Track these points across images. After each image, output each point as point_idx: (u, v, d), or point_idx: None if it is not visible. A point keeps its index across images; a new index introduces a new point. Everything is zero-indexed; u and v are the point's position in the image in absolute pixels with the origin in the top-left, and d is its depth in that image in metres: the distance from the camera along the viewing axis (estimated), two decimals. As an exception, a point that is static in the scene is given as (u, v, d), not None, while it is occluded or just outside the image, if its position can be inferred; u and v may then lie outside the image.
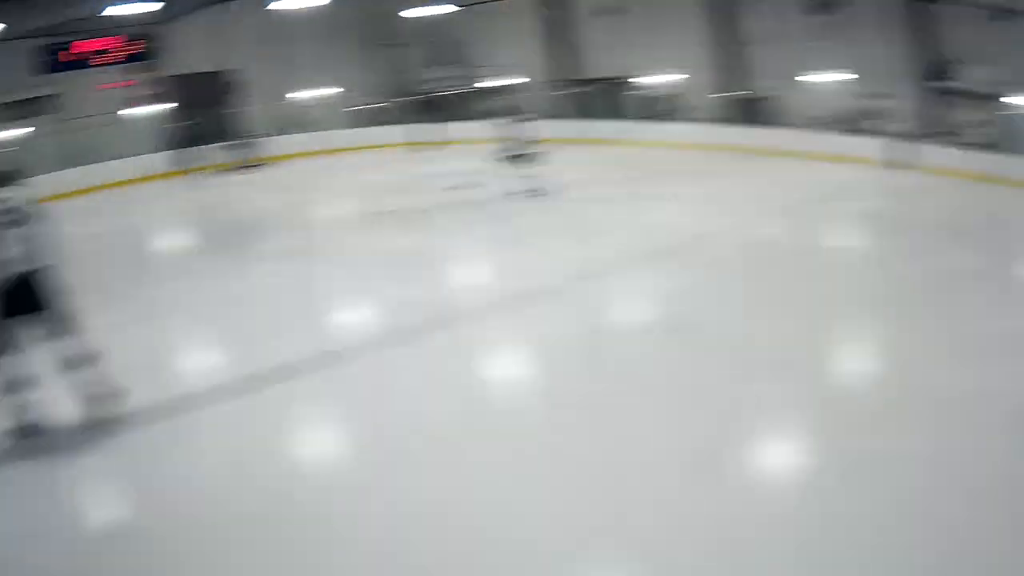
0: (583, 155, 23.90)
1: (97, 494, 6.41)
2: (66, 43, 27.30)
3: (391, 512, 5.73)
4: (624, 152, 24.92)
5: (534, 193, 16.70)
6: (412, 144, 28.68)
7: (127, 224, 19.28)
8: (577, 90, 30.11)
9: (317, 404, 7.67)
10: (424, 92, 32.12)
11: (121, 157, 27.01)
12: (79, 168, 25.85)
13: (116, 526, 5.92)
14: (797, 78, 24.72)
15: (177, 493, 6.07)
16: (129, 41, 28.16)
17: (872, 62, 22.88)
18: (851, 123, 23.31)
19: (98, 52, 27.87)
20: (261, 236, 15.62)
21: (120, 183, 25.90)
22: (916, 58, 22.12)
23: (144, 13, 25.59)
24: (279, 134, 29.71)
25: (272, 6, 26.39)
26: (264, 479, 6.23)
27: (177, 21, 29.02)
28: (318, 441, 7.26)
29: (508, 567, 5.06)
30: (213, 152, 27.06)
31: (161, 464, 6.53)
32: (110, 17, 25.48)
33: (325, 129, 30.40)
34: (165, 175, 26.27)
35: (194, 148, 25.64)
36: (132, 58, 28.32)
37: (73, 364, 6.86)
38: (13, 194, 6.87)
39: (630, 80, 28.99)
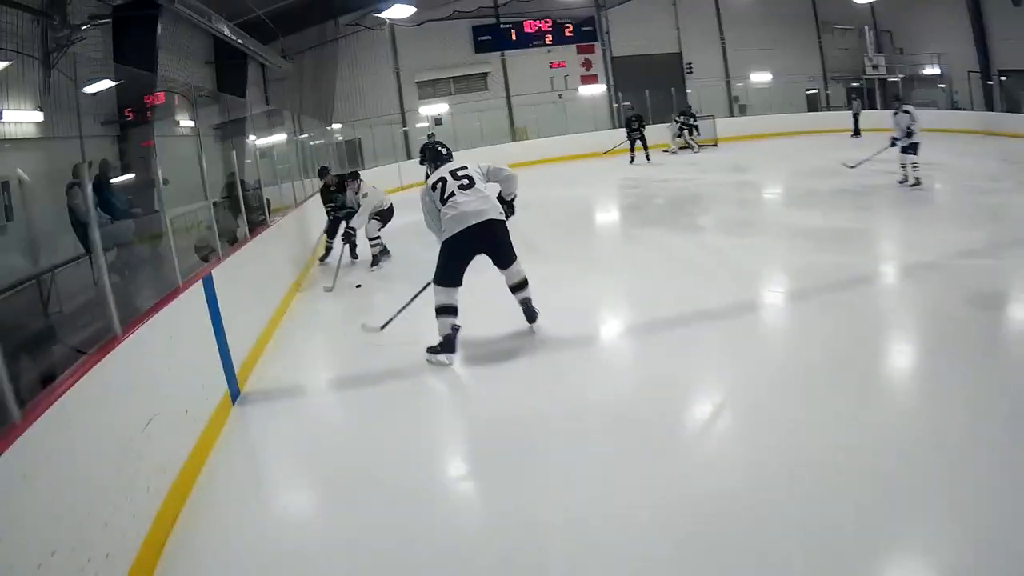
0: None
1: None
2: (504, 24, 27.83)
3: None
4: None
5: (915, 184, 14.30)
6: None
7: (576, 194, 18.24)
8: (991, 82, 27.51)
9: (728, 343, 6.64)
10: (868, 78, 30.24)
11: (566, 134, 26.72)
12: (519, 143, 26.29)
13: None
14: None
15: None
16: (575, 24, 28.39)
17: None
18: None
19: (544, 32, 27.70)
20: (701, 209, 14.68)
21: (564, 158, 25.40)
22: None
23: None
24: (728, 116, 28.76)
25: None
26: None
27: (618, 6, 28.70)
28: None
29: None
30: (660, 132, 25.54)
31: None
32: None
33: (774, 113, 28.66)
34: (608, 152, 24.98)
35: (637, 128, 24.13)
36: (571, 39, 28.54)
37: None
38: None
39: None
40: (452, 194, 6.49)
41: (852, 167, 15.84)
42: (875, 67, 30.26)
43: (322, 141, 22.32)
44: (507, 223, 6.74)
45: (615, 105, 28.47)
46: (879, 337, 6.29)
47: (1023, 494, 3.56)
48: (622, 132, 23.71)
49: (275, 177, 12.38)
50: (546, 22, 28.03)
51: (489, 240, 6.55)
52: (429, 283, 6.76)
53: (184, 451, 4.65)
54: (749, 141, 26.37)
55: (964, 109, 27.43)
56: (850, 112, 26.01)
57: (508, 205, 6.93)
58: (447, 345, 6.52)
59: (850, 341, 6.12)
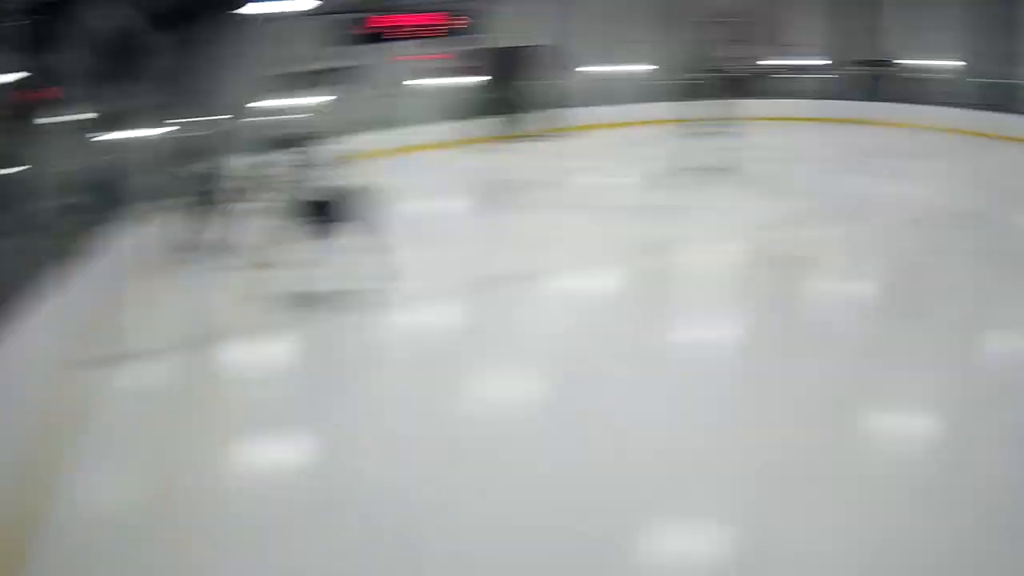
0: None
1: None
2: (374, 17, 28.82)
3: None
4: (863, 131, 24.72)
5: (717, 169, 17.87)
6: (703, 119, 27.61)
7: (432, 183, 20.64)
8: (853, 71, 28.37)
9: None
10: (726, 70, 30.92)
11: (423, 123, 28.08)
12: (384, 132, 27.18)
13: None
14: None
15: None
16: (437, 17, 29.40)
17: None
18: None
19: (404, 27, 29.04)
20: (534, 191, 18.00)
21: (420, 147, 26.92)
22: None
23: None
24: (584, 106, 29.60)
25: None
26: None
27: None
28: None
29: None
30: (516, 121, 27.53)
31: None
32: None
33: (630, 103, 29.82)
34: (463, 142, 26.79)
35: (498, 117, 25.45)
36: (443, 33, 29.54)
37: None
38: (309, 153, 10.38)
39: (901, 63, 26.87)
40: None
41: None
42: (747, 58, 30.79)
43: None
44: None
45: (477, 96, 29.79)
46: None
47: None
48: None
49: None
50: (407, 17, 28.81)
51: None
52: None
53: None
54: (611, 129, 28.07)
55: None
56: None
57: None
58: None
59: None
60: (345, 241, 10.36)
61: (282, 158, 12.27)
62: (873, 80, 27.41)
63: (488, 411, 7.24)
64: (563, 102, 28.70)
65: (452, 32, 29.07)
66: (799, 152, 21.34)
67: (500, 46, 29.62)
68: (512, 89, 28.35)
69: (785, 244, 12.43)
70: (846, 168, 18.74)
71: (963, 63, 25.20)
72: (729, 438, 6.28)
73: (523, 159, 23.71)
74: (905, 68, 26.99)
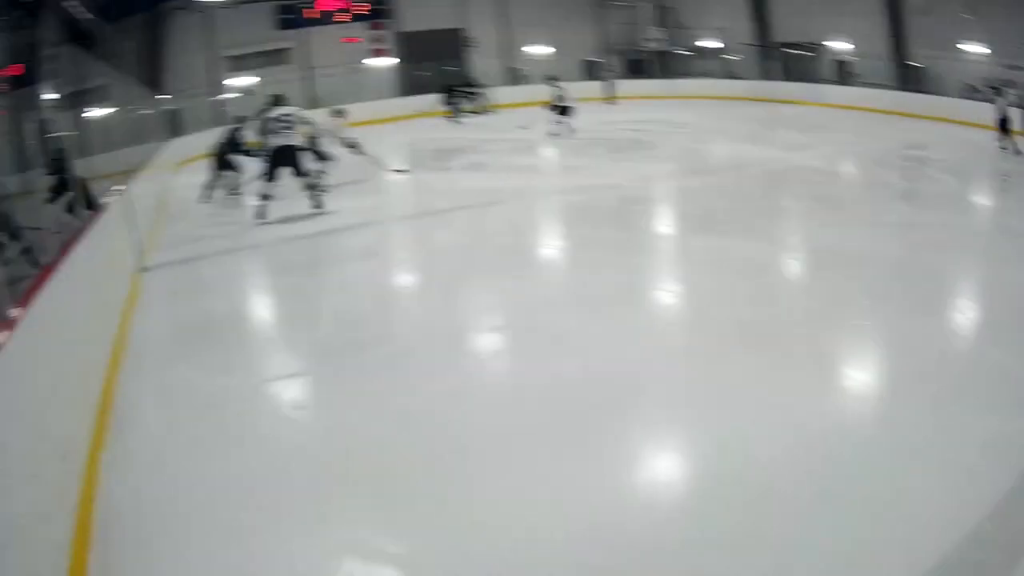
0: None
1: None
2: (303, 3, 30.65)
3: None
4: (776, 110, 26.09)
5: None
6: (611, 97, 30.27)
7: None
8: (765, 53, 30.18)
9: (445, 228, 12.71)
10: (643, 50, 33.25)
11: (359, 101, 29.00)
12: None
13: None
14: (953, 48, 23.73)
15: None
16: (361, 2, 31.38)
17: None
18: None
19: (337, 11, 30.59)
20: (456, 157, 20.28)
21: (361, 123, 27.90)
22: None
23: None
24: (508, 85, 31.68)
25: None
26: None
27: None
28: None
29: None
30: (444, 100, 28.98)
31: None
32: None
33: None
34: (396, 118, 28.43)
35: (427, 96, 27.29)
36: (367, 16, 31.60)
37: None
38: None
39: (813, 45, 28.49)
40: None
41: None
42: (650, 40, 33.09)
43: (151, 111, 26.11)
44: None
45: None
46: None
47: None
48: (408, 101, 28.86)
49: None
50: (341, 1, 31.10)
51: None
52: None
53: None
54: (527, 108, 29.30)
55: (741, 78, 30.52)
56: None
57: None
58: None
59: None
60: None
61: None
62: (785, 61, 29.56)
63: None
64: (486, 83, 30.47)
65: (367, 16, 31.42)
66: (697, 125, 23.18)
67: (423, 30, 31.78)
68: (438, 71, 30.45)
69: (640, 189, 14.52)
70: (727, 137, 20.70)
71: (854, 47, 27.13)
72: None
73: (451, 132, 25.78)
74: (819, 50, 28.51)
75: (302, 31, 31.00)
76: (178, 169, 21.39)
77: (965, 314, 7.75)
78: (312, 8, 30.81)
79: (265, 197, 12.92)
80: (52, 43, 15.41)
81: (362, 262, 10.88)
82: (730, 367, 6.29)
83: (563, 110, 21.64)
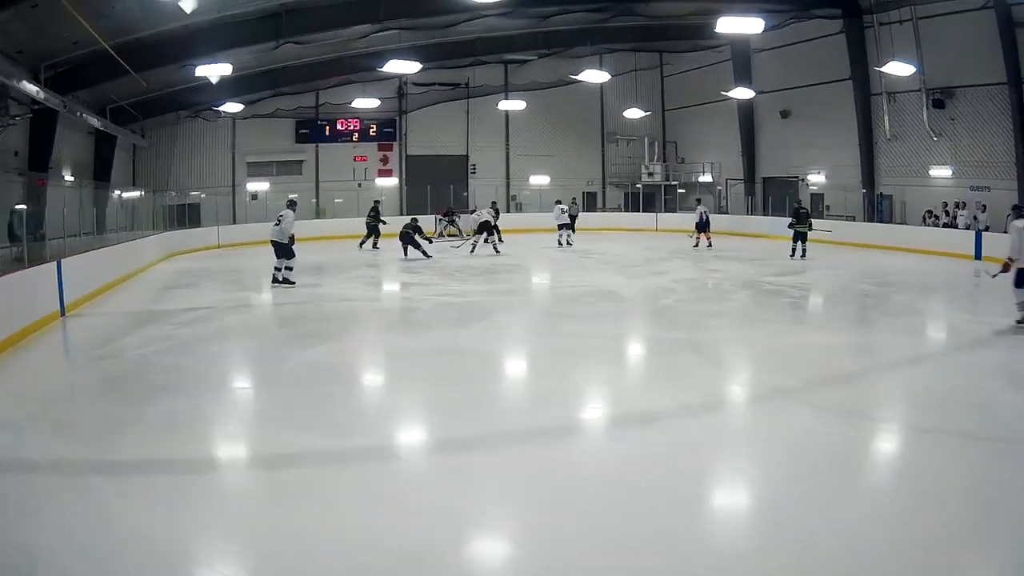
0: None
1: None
2: (322, 121, 32.46)
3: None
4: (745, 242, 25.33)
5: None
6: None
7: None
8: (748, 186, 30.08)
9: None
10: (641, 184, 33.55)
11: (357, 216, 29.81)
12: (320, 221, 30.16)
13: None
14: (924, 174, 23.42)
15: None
16: (372, 125, 32.98)
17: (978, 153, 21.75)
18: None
19: (350, 130, 32.35)
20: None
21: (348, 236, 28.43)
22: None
23: (384, 100, 30.73)
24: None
25: (501, 105, 30.40)
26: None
27: (418, 111, 33.14)
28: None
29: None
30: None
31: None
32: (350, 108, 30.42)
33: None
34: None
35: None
36: (374, 137, 33.05)
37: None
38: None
39: (792, 179, 28.36)
40: None
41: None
42: (650, 174, 33.37)
43: (177, 202, 28.43)
44: None
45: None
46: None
47: None
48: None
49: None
50: (355, 121, 32.62)
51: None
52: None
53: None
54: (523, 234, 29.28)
55: (728, 212, 30.32)
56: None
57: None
58: None
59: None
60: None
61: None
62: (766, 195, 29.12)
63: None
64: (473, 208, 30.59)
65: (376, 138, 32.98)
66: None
67: (424, 154, 33.08)
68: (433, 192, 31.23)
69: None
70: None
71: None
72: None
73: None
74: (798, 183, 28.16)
75: (316, 146, 32.56)
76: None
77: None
78: (328, 126, 32.58)
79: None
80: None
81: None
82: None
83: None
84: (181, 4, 15.63)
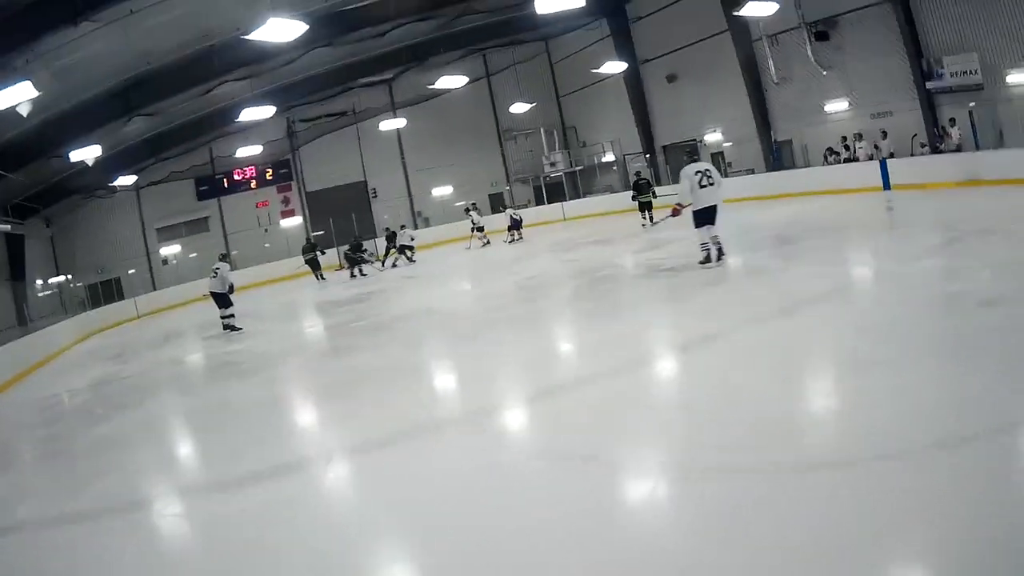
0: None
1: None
2: (219, 175, 31.10)
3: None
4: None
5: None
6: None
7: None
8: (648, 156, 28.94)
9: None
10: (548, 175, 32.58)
11: (270, 261, 29.60)
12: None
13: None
14: (820, 112, 22.40)
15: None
16: (267, 169, 31.74)
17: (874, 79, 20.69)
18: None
19: (246, 179, 31.07)
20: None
21: (273, 280, 28.37)
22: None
23: (275, 142, 30.15)
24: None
25: (382, 125, 29.05)
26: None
27: (306, 146, 31.88)
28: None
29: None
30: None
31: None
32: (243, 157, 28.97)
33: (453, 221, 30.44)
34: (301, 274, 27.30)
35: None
36: (272, 181, 31.80)
37: None
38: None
39: (691, 142, 26.47)
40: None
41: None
42: (552, 164, 32.38)
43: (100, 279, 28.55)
44: None
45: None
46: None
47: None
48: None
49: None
50: (251, 169, 31.24)
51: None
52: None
53: None
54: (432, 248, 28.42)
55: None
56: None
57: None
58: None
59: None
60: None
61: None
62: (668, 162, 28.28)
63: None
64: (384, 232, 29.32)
65: (272, 181, 31.81)
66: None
67: (323, 187, 31.87)
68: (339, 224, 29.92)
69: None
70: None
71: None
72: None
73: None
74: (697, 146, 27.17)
75: (218, 200, 31.36)
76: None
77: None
78: (226, 178, 31.23)
79: None
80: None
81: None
82: None
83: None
84: (19, 110, 15.07)
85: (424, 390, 8.06)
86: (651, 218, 20.82)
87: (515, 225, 25.32)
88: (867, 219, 15.01)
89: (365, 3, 19.93)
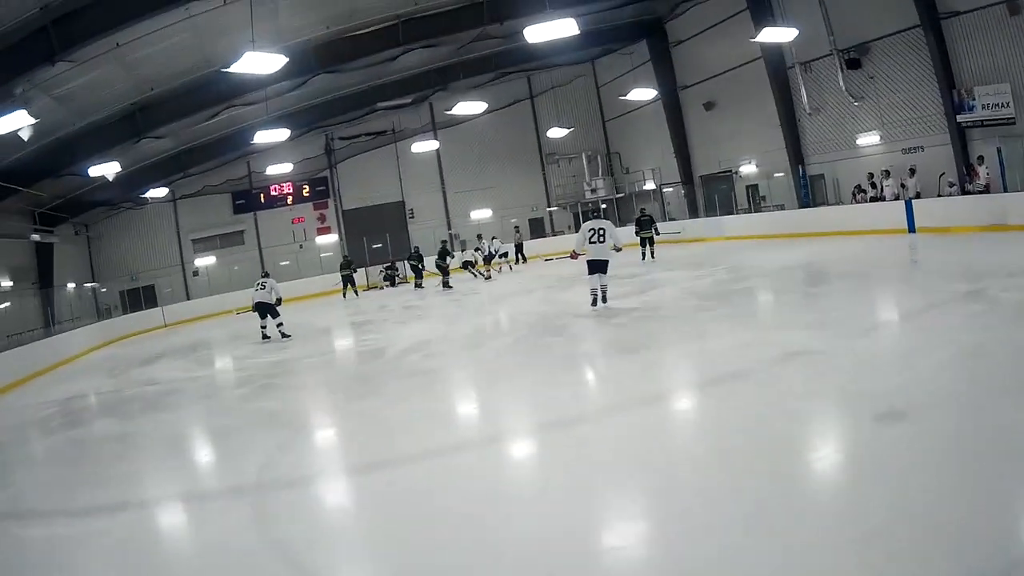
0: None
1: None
2: (256, 190, 31.14)
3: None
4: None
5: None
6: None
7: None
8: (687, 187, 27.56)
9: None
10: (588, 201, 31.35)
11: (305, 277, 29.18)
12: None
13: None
14: (852, 145, 20.78)
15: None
16: (304, 185, 31.63)
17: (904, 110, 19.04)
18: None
19: (283, 195, 31.02)
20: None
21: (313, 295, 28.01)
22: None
23: (312, 159, 30.48)
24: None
25: (422, 147, 28.22)
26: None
27: (344, 165, 31.56)
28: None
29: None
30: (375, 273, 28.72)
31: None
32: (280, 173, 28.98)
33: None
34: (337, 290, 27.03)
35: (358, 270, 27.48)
36: (309, 198, 31.57)
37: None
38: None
39: (726, 173, 25.90)
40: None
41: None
42: (593, 190, 31.10)
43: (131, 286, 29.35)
44: None
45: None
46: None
47: None
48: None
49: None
50: (288, 185, 31.18)
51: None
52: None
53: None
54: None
55: (675, 218, 27.79)
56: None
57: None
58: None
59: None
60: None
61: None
62: (705, 193, 26.85)
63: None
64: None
65: (308, 198, 31.66)
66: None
67: (359, 206, 31.56)
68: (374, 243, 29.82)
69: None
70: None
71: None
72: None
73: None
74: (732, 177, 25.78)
75: (254, 214, 31.40)
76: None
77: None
78: (263, 193, 31.24)
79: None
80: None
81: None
82: None
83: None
84: (20, 135, 15.48)
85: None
86: (652, 253, 20.79)
87: (489, 259, 24.85)
88: (876, 271, 13.19)
89: (363, 32, 19.44)
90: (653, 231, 21.32)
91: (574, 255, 13.33)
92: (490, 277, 23.76)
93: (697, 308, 11.48)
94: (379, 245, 30.12)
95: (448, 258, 23.01)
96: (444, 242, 24.22)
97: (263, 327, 16.45)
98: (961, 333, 7.15)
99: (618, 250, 13.09)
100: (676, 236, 23.80)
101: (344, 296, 25.60)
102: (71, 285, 27.13)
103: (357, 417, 8.00)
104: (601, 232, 12.54)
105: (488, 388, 8.55)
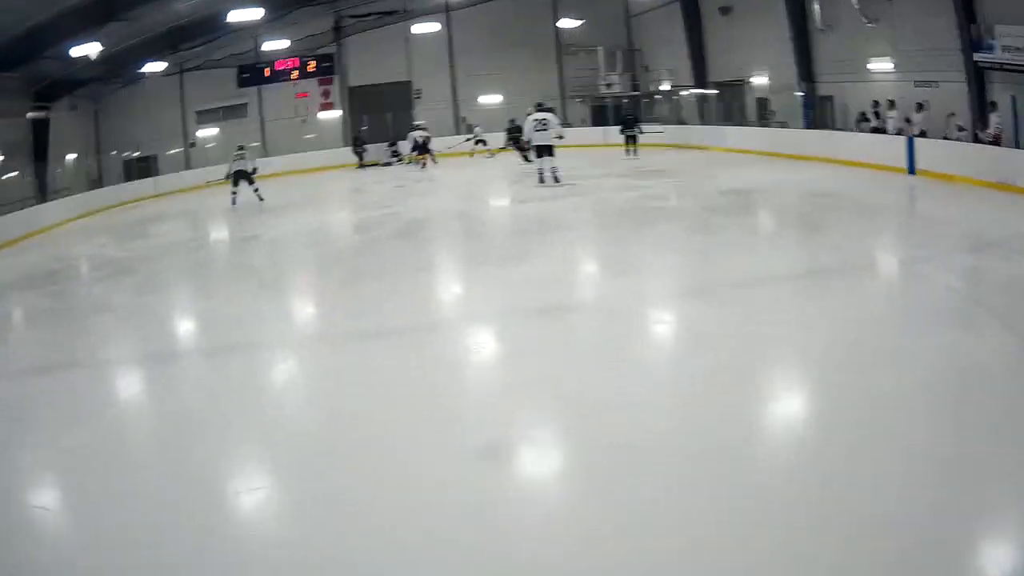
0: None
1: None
2: (261, 64, 30.30)
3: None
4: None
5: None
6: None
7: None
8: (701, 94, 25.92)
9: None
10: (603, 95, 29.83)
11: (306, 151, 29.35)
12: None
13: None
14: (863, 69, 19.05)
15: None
16: (310, 61, 30.57)
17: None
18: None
19: (289, 69, 29.93)
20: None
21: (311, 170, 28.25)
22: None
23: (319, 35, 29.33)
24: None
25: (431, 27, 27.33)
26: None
27: (353, 41, 30.45)
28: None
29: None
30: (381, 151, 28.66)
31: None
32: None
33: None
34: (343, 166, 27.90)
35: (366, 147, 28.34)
36: (314, 73, 30.64)
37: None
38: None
39: (739, 82, 24.28)
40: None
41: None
42: (608, 86, 29.41)
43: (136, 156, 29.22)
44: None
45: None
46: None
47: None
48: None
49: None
50: (293, 60, 30.10)
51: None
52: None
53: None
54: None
55: (685, 123, 26.31)
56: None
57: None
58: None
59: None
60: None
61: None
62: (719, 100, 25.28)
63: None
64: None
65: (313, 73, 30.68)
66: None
67: (366, 84, 30.43)
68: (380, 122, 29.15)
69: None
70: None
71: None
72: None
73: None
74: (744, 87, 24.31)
75: (258, 88, 30.54)
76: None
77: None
78: (268, 68, 30.26)
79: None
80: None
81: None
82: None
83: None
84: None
85: None
86: (635, 151, 22.20)
87: (420, 148, 24.57)
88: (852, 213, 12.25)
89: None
90: (637, 130, 22.47)
91: (524, 145, 18.46)
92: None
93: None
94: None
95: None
96: (512, 120, 24.62)
97: (234, 193, 18.60)
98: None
99: (560, 137, 16.67)
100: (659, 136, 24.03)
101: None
102: (70, 156, 26.64)
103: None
104: (544, 122, 16.36)
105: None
